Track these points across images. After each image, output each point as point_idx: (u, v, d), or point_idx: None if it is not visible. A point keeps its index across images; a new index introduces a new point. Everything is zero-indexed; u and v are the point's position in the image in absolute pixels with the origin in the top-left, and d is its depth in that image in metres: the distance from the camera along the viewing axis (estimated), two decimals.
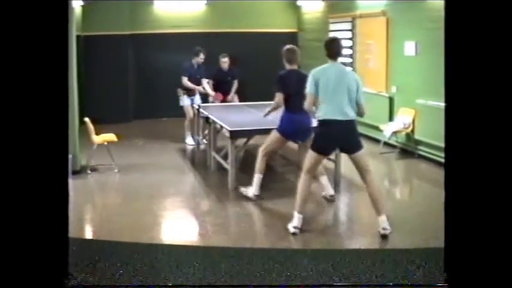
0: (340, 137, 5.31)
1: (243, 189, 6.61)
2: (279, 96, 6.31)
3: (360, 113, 5.38)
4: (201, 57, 9.84)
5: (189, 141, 9.91)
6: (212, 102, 10.05)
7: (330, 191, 6.46)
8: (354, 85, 5.26)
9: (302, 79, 5.92)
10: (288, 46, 6.42)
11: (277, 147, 6.62)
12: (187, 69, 9.85)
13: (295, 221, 5.38)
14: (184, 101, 9.88)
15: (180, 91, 9.88)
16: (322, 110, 5.26)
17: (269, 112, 6.64)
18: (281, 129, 6.34)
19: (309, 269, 4.40)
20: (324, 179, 6.47)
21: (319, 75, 5.29)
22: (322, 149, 5.40)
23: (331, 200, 6.43)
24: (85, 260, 4.47)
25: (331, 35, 11.32)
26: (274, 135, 6.44)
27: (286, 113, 6.32)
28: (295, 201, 5.46)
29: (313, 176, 5.61)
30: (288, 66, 6.35)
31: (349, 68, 5.39)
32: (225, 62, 10.43)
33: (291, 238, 5.32)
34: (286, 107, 6.30)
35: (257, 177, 6.51)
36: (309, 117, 6.24)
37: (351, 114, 5.26)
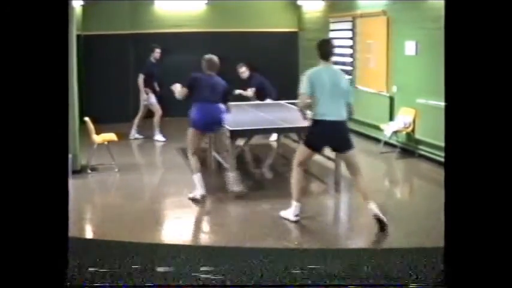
0: (334, 136, 5.55)
1: (190, 195, 6.55)
2: (183, 90, 6.54)
3: (349, 113, 5.58)
4: (157, 52, 10.13)
5: (160, 137, 10.05)
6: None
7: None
8: (346, 86, 5.56)
9: (215, 84, 6.47)
10: (207, 56, 6.62)
11: (197, 144, 6.63)
12: (147, 67, 10.11)
13: (296, 210, 5.69)
14: (151, 98, 10.03)
15: (147, 90, 10.01)
16: (318, 110, 5.46)
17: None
18: (192, 123, 6.46)
19: (309, 269, 4.40)
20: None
21: (315, 77, 5.48)
22: (316, 146, 5.71)
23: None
24: (85, 260, 4.47)
25: (332, 34, 11.36)
26: (189, 132, 6.55)
27: (194, 105, 6.45)
28: (292, 192, 5.72)
29: (304, 168, 5.88)
30: (207, 72, 6.56)
31: (337, 68, 5.80)
32: (242, 72, 9.98)
33: (291, 238, 5.33)
34: (194, 100, 6.46)
35: (196, 177, 6.52)
36: (219, 108, 6.45)
37: (344, 115, 5.51)
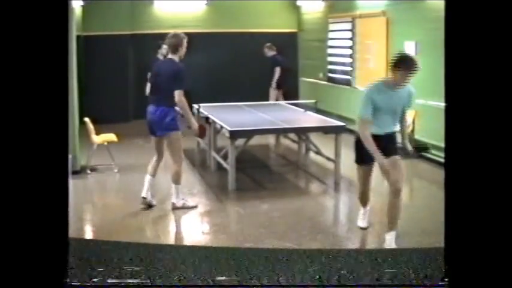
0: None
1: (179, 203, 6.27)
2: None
3: None
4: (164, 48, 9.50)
5: None
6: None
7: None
8: None
9: (164, 69, 6.15)
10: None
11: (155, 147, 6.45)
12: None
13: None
14: None
15: None
16: None
17: None
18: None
19: (309, 269, 4.40)
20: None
21: None
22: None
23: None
24: (85, 260, 4.47)
25: (331, 35, 11.38)
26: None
27: None
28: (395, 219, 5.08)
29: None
30: (169, 55, 6.29)
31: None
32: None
33: (291, 238, 5.32)
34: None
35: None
36: (157, 110, 6.02)
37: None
